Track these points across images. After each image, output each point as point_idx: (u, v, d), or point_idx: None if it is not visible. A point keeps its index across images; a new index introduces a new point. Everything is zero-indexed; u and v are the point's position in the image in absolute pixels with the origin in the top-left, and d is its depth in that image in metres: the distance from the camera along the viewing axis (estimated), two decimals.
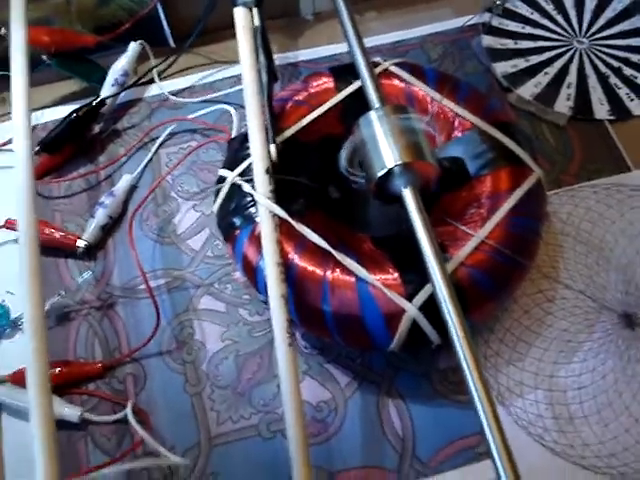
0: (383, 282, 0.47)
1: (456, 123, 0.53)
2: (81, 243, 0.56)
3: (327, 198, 0.52)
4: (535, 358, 0.52)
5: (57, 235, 0.57)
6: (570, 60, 0.64)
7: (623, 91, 0.62)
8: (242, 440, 0.50)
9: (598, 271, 0.55)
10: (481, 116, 0.53)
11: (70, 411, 0.50)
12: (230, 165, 0.52)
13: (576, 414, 0.50)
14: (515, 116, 0.61)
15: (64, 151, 0.61)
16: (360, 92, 0.54)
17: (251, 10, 0.54)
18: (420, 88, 0.54)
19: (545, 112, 0.61)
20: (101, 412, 0.51)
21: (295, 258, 0.48)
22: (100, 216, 0.57)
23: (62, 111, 0.64)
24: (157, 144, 0.61)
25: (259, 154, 0.48)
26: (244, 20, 0.51)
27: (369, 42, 0.60)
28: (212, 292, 0.55)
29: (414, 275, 0.47)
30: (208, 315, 0.54)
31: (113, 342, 0.54)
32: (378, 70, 0.55)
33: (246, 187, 0.49)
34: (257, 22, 0.53)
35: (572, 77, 0.63)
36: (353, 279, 0.47)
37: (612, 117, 0.61)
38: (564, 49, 0.65)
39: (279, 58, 0.65)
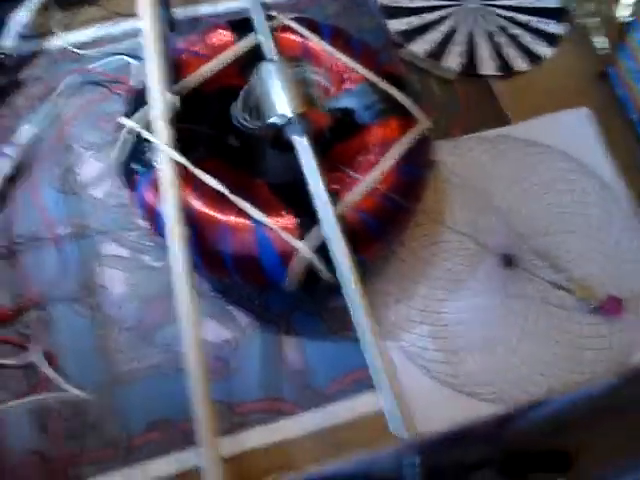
0: (278, 224, 0.49)
1: (348, 76, 0.56)
2: None
3: (227, 147, 0.55)
4: (421, 296, 0.56)
5: None
6: (460, 19, 0.68)
7: (509, 49, 0.66)
8: (146, 378, 0.52)
9: (481, 216, 0.59)
10: (372, 69, 0.55)
11: None
12: (129, 113, 0.54)
13: (460, 346, 0.55)
14: (405, 70, 0.64)
15: None
16: (258, 45, 0.56)
17: None
18: (315, 43, 0.56)
19: (435, 67, 0.65)
20: (11, 355, 0.52)
21: (194, 203, 0.50)
22: (2, 166, 0.58)
23: None
24: (57, 93, 0.62)
25: (158, 101, 0.50)
26: None
27: None
28: (116, 239, 0.57)
29: (307, 218, 0.50)
30: (113, 261, 0.56)
31: (19, 289, 0.55)
32: (275, 24, 0.57)
33: (145, 133, 0.51)
34: None
35: (462, 35, 0.67)
36: (250, 222, 0.50)
37: (497, 73, 0.65)
38: (455, 8, 0.69)
39: (181, 12, 0.66)
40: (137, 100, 0.54)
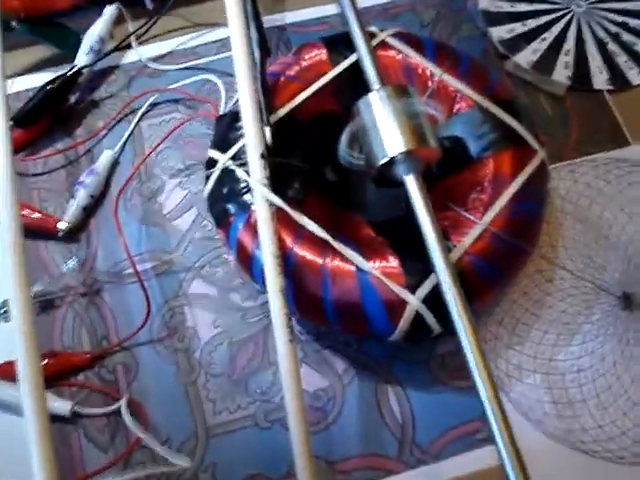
0: (384, 271, 0.45)
1: (457, 99, 0.50)
2: (62, 225, 0.53)
3: (323, 180, 0.50)
4: (534, 342, 0.51)
5: (36, 217, 0.53)
6: (568, 25, 0.61)
7: (622, 59, 0.60)
8: (239, 430, 0.48)
9: (597, 250, 0.53)
10: (483, 92, 0.50)
11: (61, 405, 0.48)
12: (220, 146, 0.49)
13: (575, 398, 0.50)
14: (515, 90, 0.58)
15: (39, 124, 0.57)
16: (356, 66, 0.51)
17: None
18: (419, 61, 0.51)
19: (543, 81, 0.59)
20: (92, 404, 0.49)
21: (294, 247, 0.45)
22: (81, 196, 0.54)
23: (34, 79, 0.59)
24: (138, 116, 0.58)
25: (254, 137, 0.45)
26: None
27: (359, 3, 0.56)
28: (202, 276, 0.53)
29: (416, 264, 0.45)
30: (199, 300, 0.52)
31: (101, 330, 0.51)
32: (374, 42, 0.51)
33: (240, 173, 0.46)
34: None
35: (570, 44, 0.60)
36: (353, 268, 0.45)
37: (611, 87, 0.59)
38: (561, 13, 0.62)
39: (264, 21, 0.61)
40: (228, 130, 0.50)
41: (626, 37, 0.61)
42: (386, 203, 0.50)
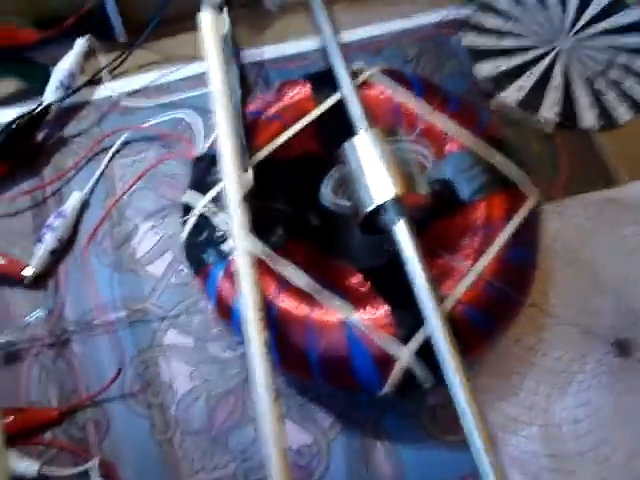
0: (373, 323, 0.42)
1: (446, 140, 0.48)
2: (28, 271, 0.49)
3: (306, 225, 0.47)
4: (529, 392, 0.48)
5: (0, 262, 0.50)
6: (554, 61, 0.60)
7: (610, 95, 0.58)
8: None
9: (589, 294, 0.51)
10: (473, 132, 0.47)
11: (27, 465, 0.44)
12: (197, 188, 0.46)
13: (572, 451, 0.47)
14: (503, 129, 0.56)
15: (4, 163, 0.54)
16: (340, 104, 0.48)
17: (220, 10, 0.47)
18: (406, 100, 0.49)
19: (530, 119, 0.57)
20: (61, 464, 0.45)
21: (276, 297, 0.43)
22: (49, 240, 0.50)
23: None
24: (109, 155, 0.54)
25: (234, 183, 0.42)
26: (211, 27, 0.44)
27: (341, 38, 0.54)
28: (178, 325, 0.49)
29: (406, 314, 0.42)
30: (175, 351, 0.49)
31: (70, 384, 0.47)
32: (360, 80, 0.49)
33: (219, 219, 0.44)
34: (227, 26, 0.46)
35: (557, 80, 0.58)
36: (340, 319, 0.42)
37: (600, 124, 0.56)
38: (548, 48, 0.61)
39: (244, 55, 0.59)
40: (205, 173, 0.47)
41: (613, 74, 0.59)
42: (373, 249, 0.47)
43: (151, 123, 0.55)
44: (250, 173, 0.43)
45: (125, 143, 0.55)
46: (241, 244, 0.42)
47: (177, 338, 0.49)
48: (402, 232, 0.42)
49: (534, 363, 0.49)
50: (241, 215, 0.42)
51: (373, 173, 0.42)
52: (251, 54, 0.59)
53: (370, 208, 0.42)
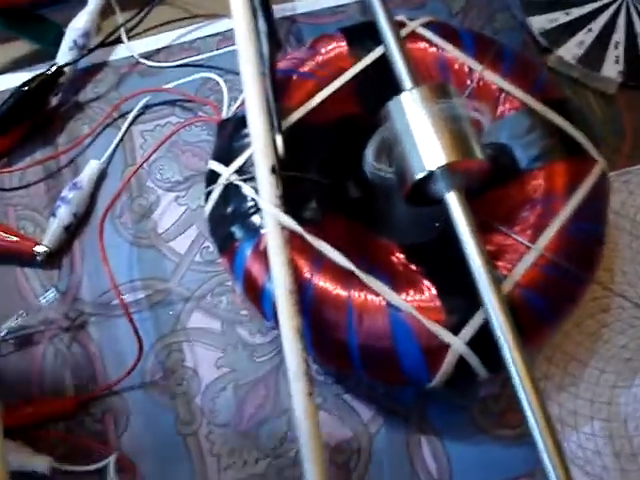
0: (420, 307, 0.37)
1: (501, 100, 0.42)
2: (40, 249, 0.45)
3: (344, 197, 0.42)
4: (590, 382, 0.43)
5: (11, 239, 0.45)
6: (616, 13, 0.53)
7: None
8: None
9: None
10: (531, 92, 0.42)
11: (38, 461, 0.40)
12: (222, 157, 0.41)
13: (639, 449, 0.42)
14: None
15: (15, 131, 0.49)
16: (382, 61, 0.43)
17: None
18: (456, 55, 0.43)
19: (591, 78, 0.50)
20: (75, 460, 0.41)
21: (312, 277, 0.38)
22: (63, 214, 0.45)
23: (10, 80, 0.51)
24: (128, 121, 0.49)
25: (263, 148, 0.37)
26: None
27: None
28: (204, 307, 0.44)
29: (458, 298, 0.37)
30: (200, 336, 0.44)
31: (87, 372, 0.43)
32: (403, 33, 0.43)
33: (247, 190, 0.39)
34: None
35: (620, 35, 0.52)
36: (384, 303, 0.37)
37: None
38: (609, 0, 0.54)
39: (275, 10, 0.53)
40: (232, 138, 0.42)
41: None
42: (420, 223, 0.42)
43: (174, 85, 0.50)
44: (280, 139, 0.38)
45: (145, 107, 0.50)
46: (271, 218, 0.36)
47: (202, 321, 0.44)
48: (454, 204, 0.37)
49: (596, 351, 0.44)
50: (272, 185, 0.37)
51: (421, 136, 0.36)
52: (282, 8, 0.53)
53: (418, 177, 0.36)
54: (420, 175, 0.36)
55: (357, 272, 0.36)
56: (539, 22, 0.52)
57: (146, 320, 0.44)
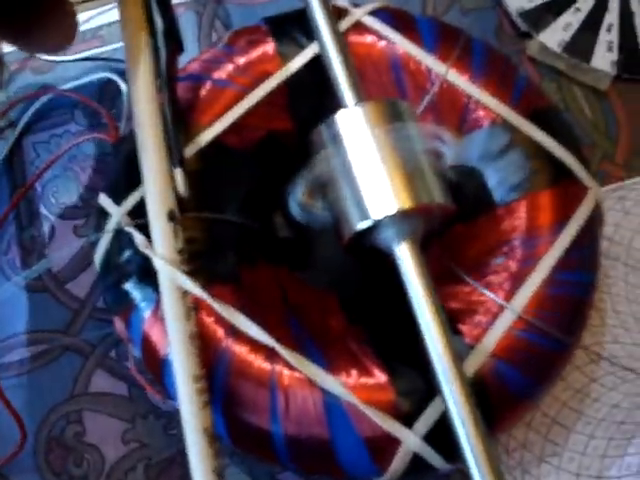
0: (364, 392, 0.28)
1: (470, 110, 0.32)
2: None
3: (271, 237, 0.32)
4: (576, 451, 0.34)
5: None
6: None
7: None
8: None
9: None
10: (508, 100, 0.31)
11: None
12: (114, 190, 0.31)
13: None
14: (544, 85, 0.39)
15: None
16: (317, 61, 0.33)
17: None
18: (412, 52, 0.33)
19: (580, 70, 0.40)
20: None
21: (228, 345, 0.28)
22: None
23: None
24: (18, 130, 0.38)
25: (157, 191, 0.27)
26: None
27: None
28: (107, 365, 0.35)
29: (414, 378, 0.28)
30: (103, 402, 0.34)
31: None
32: (346, 24, 0.33)
33: (140, 241, 0.29)
34: None
35: (613, 15, 0.42)
36: (316, 387, 0.28)
37: None
38: None
39: None
40: (126, 164, 0.32)
41: None
42: (363, 273, 0.32)
43: (72, 85, 0.39)
44: (180, 174, 0.28)
45: (39, 113, 0.39)
46: (167, 280, 0.27)
47: (106, 384, 0.35)
48: (405, 258, 0.27)
49: (583, 412, 0.35)
50: (168, 237, 0.27)
51: (365, 173, 0.27)
52: None
53: (359, 227, 0.27)
54: (362, 225, 0.26)
55: (280, 351, 0.27)
56: (516, 1, 0.42)
57: (36, 384, 0.35)
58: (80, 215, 0.37)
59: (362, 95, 0.28)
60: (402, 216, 0.26)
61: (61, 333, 0.35)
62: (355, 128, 0.27)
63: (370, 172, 0.26)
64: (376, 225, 0.26)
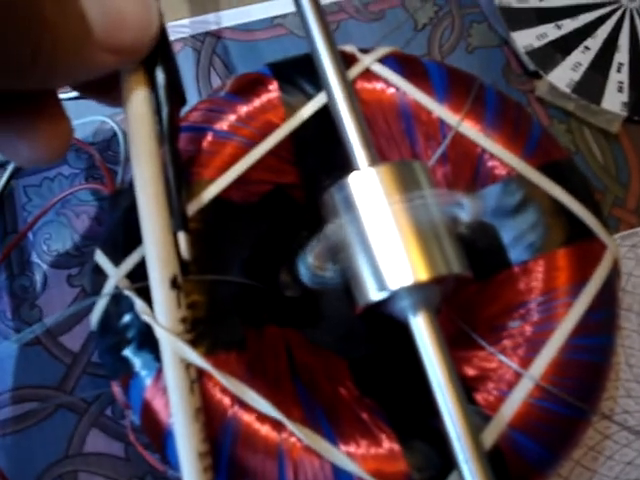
0: (375, 465, 0.26)
1: (483, 164, 0.31)
2: None
3: (278, 297, 0.31)
4: None
5: None
6: (618, 27, 0.42)
7: None
8: None
9: None
10: (523, 152, 0.30)
11: None
12: (112, 248, 0.29)
13: None
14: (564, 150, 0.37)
15: None
16: (325, 112, 0.31)
17: None
18: (423, 102, 0.32)
19: (590, 112, 0.39)
20: None
21: (235, 412, 0.27)
22: None
23: None
24: (8, 173, 0.37)
25: (158, 256, 0.26)
26: None
27: None
28: (103, 424, 0.33)
29: (428, 450, 0.27)
30: (99, 463, 0.32)
31: None
32: (354, 72, 0.32)
33: (140, 307, 0.27)
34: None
35: (623, 54, 0.41)
36: (327, 459, 0.27)
37: None
38: (609, 9, 0.42)
39: (192, 23, 0.41)
40: (125, 221, 0.30)
41: None
42: (375, 337, 0.31)
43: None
44: (184, 238, 0.26)
45: None
46: (169, 351, 0.25)
47: (101, 443, 0.33)
48: (422, 329, 0.26)
49: (595, 470, 0.34)
50: (170, 306, 0.25)
51: (381, 242, 0.25)
52: (203, 20, 0.40)
53: (375, 298, 0.25)
54: (378, 297, 0.25)
55: (289, 425, 0.26)
56: (525, 38, 0.40)
57: (26, 445, 0.33)
58: (74, 264, 0.35)
59: (375, 156, 0.27)
60: (418, 287, 0.24)
61: (54, 389, 0.33)
62: (369, 193, 0.25)
63: (386, 241, 0.25)
64: (392, 296, 0.25)
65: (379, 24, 0.40)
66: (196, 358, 0.25)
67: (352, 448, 0.26)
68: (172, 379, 0.25)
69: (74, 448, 0.33)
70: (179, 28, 0.39)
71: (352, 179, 0.26)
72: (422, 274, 0.24)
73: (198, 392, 0.25)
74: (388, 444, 0.26)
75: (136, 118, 0.26)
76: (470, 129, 0.30)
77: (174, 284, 0.25)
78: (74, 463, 0.32)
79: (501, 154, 0.30)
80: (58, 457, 0.32)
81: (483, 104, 0.31)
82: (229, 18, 0.40)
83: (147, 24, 0.23)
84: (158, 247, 0.25)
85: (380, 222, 0.25)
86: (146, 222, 0.25)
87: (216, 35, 0.40)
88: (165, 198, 0.26)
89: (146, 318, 0.26)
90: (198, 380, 0.26)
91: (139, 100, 0.26)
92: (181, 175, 0.27)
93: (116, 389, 0.29)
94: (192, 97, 0.37)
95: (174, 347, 0.25)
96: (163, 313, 0.25)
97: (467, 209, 0.26)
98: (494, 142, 0.30)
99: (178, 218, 0.26)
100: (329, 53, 0.29)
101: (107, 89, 0.25)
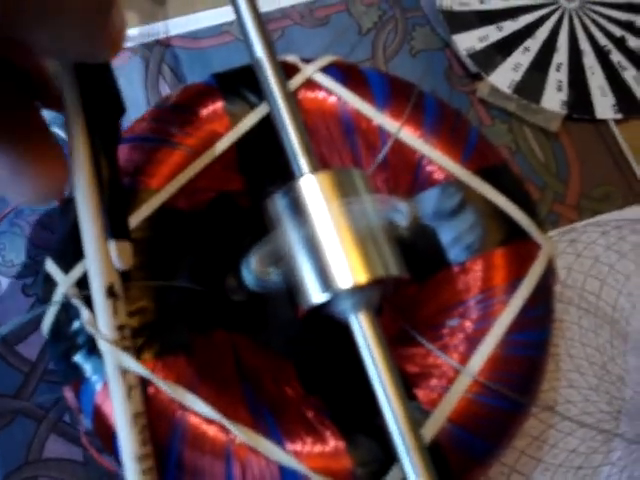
0: (320, 462, 0.27)
1: (421, 169, 0.32)
2: None
3: (225, 302, 0.31)
4: None
5: None
6: (557, 28, 0.43)
7: (629, 73, 0.42)
8: None
9: (613, 356, 0.37)
10: (460, 157, 0.31)
11: None
12: (62, 256, 0.30)
13: None
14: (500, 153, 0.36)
15: None
16: (268, 120, 0.32)
17: None
18: (363, 111, 0.32)
19: (530, 111, 0.40)
20: None
21: (182, 415, 0.27)
22: None
23: None
24: None
25: (94, 265, 0.26)
26: None
27: (274, 2, 0.37)
28: (61, 429, 0.33)
29: (368, 446, 0.28)
30: (58, 468, 0.33)
31: None
32: (297, 82, 0.32)
33: (85, 316, 0.28)
34: None
35: (562, 54, 0.42)
36: (273, 458, 0.28)
37: (619, 115, 0.40)
38: (547, 10, 0.43)
39: (142, 32, 0.41)
40: (73, 230, 0.30)
41: (634, 42, 0.43)
42: (318, 339, 0.32)
43: None
44: (114, 246, 0.27)
45: None
46: (109, 359, 0.26)
47: (61, 449, 0.33)
48: (362, 328, 0.27)
49: (540, 458, 0.35)
50: (106, 314, 0.26)
51: (321, 247, 0.26)
52: (151, 29, 0.40)
53: (316, 301, 0.26)
54: (319, 299, 0.26)
55: (231, 427, 0.26)
56: (467, 41, 0.41)
57: None
58: (29, 273, 0.36)
59: (316, 163, 0.27)
60: (358, 289, 0.25)
61: (12, 397, 0.34)
62: (309, 199, 0.26)
63: (326, 246, 0.25)
64: (333, 298, 0.25)
65: (324, 29, 0.41)
66: (133, 364, 0.25)
67: (298, 446, 0.27)
68: (111, 385, 0.26)
69: (34, 454, 0.33)
70: (127, 37, 0.40)
71: (293, 186, 0.26)
72: (361, 277, 0.25)
73: (138, 397, 0.26)
74: (333, 441, 0.27)
75: (73, 124, 0.26)
76: (409, 136, 0.31)
77: (110, 293, 0.26)
78: (34, 469, 0.33)
79: (440, 159, 0.31)
80: (18, 464, 0.33)
81: (422, 111, 0.32)
82: (177, 26, 0.41)
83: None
84: (94, 257, 0.26)
85: (320, 227, 0.26)
86: (84, 232, 0.26)
87: (164, 44, 0.40)
88: (101, 209, 0.26)
89: (89, 327, 0.26)
90: (146, 384, 0.27)
91: (75, 108, 0.26)
92: (119, 185, 0.28)
93: (68, 394, 0.29)
94: (141, 106, 0.38)
95: (112, 354, 0.25)
96: (101, 321, 0.26)
97: (404, 213, 0.27)
98: (433, 148, 0.31)
99: (121, 223, 0.27)
100: (270, 64, 0.30)
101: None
